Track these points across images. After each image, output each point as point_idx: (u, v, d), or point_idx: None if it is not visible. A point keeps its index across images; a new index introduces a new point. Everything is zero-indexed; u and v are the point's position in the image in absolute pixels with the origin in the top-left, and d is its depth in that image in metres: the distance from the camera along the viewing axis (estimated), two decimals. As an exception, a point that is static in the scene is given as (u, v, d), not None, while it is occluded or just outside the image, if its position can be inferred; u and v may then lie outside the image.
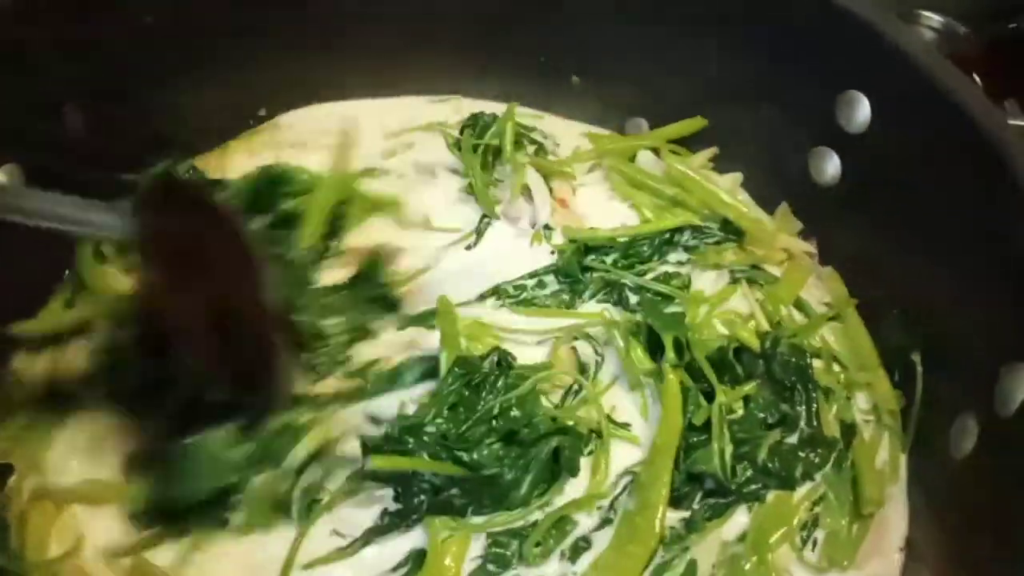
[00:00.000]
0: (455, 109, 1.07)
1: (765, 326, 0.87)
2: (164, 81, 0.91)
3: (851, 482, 0.78)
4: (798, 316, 0.90)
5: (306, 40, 0.98)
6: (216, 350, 0.68)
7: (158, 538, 0.72)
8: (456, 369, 0.76)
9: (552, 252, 0.93)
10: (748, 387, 0.79)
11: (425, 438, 0.73)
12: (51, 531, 0.73)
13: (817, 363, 0.83)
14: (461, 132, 1.02)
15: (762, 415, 0.79)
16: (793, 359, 0.81)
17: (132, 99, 0.89)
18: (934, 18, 1.33)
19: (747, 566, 0.72)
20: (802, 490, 0.77)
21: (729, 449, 0.76)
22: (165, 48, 0.89)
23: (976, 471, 0.70)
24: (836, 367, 0.85)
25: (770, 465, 0.76)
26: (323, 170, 0.93)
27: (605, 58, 1.01)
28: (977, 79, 0.89)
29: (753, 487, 0.76)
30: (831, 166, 0.89)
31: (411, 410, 0.78)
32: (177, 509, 0.71)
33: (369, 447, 0.73)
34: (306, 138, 1.01)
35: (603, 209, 0.97)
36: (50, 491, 0.74)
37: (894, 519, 0.78)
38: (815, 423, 0.80)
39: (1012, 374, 0.66)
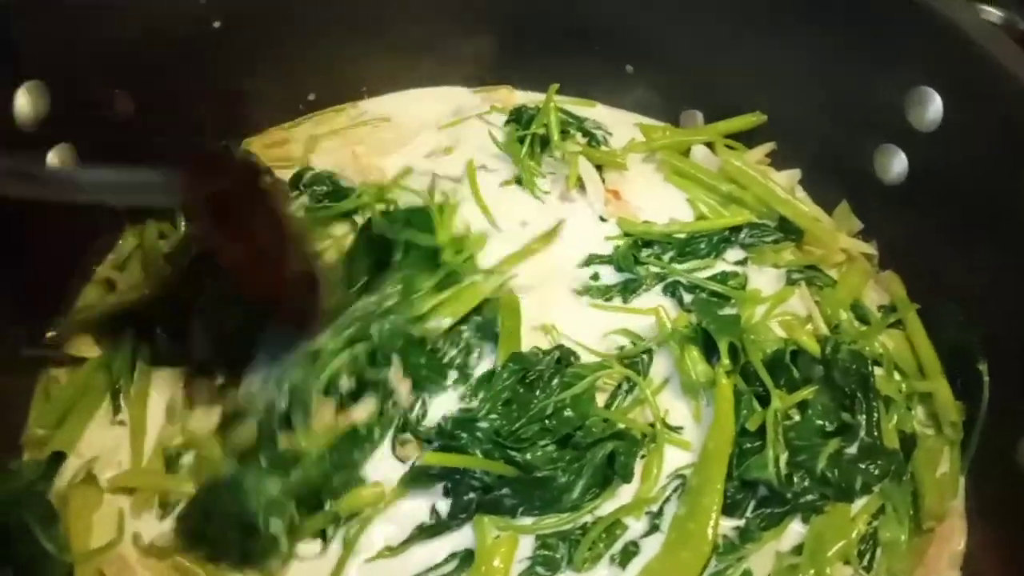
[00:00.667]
0: (504, 99, 1.05)
1: (823, 329, 0.84)
2: (215, 67, 0.90)
3: (911, 495, 0.75)
4: (856, 321, 0.86)
5: (357, 28, 0.97)
6: (257, 285, 0.73)
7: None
8: (511, 365, 0.74)
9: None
10: (806, 392, 0.77)
11: (478, 434, 0.71)
12: (93, 520, 0.72)
13: (878, 371, 0.80)
14: (506, 123, 1.00)
15: (820, 422, 0.76)
16: (854, 365, 0.78)
17: (183, 83, 0.88)
18: (993, 12, 1.29)
19: None
20: (860, 502, 0.74)
21: (784, 456, 0.73)
22: (217, 35, 0.89)
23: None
24: (896, 375, 0.83)
25: (828, 475, 0.73)
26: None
27: (661, 47, 0.98)
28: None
29: (810, 497, 0.73)
30: (898, 164, 0.86)
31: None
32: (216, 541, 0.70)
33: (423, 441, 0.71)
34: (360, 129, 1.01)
35: (658, 201, 0.94)
36: (92, 476, 0.74)
37: (952, 535, 0.75)
38: (875, 433, 0.77)
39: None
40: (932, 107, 0.80)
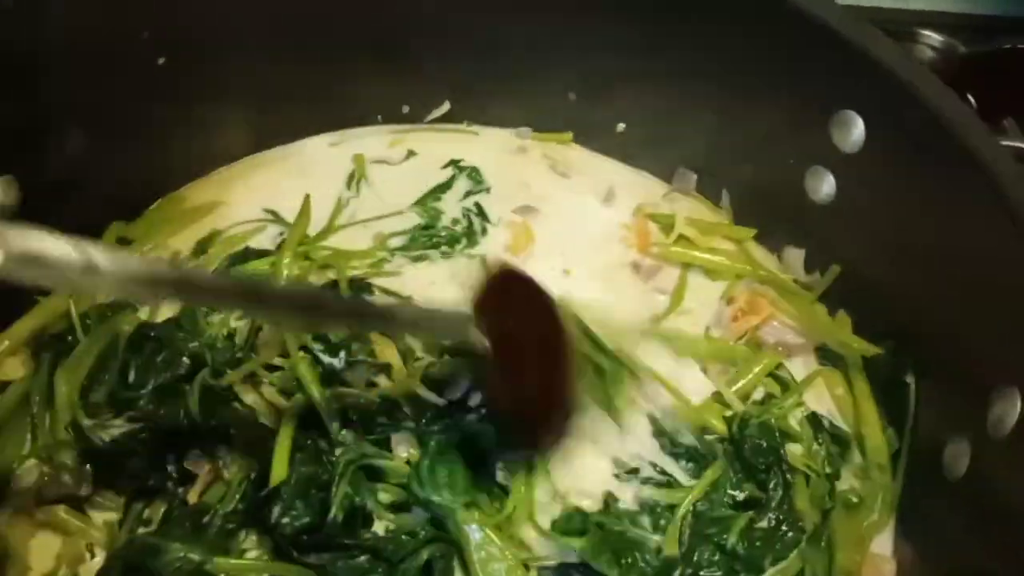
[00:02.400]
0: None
1: (737, 406, 0.81)
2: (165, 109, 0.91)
3: (828, 553, 0.75)
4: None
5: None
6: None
7: None
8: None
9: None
10: (710, 475, 0.76)
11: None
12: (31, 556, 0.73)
13: (793, 446, 0.80)
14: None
15: (733, 492, 0.76)
16: (764, 442, 0.77)
17: (133, 123, 0.90)
18: (934, 36, 1.33)
19: None
20: (776, 568, 0.74)
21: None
22: (172, 76, 0.89)
23: (967, 496, 0.69)
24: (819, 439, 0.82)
25: (739, 550, 0.73)
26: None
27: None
28: (972, 100, 0.89)
29: (717, 572, 0.72)
30: (826, 185, 0.88)
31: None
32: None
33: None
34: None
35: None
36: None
37: (883, 565, 0.75)
38: (787, 506, 0.76)
39: (1005, 398, 0.65)
40: (855, 130, 0.83)
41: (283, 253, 0.89)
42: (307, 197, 0.96)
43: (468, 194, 0.99)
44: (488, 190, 1.00)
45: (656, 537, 0.72)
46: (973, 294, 0.73)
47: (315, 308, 0.61)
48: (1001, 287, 0.70)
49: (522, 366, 0.69)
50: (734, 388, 0.83)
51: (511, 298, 0.70)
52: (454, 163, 1.01)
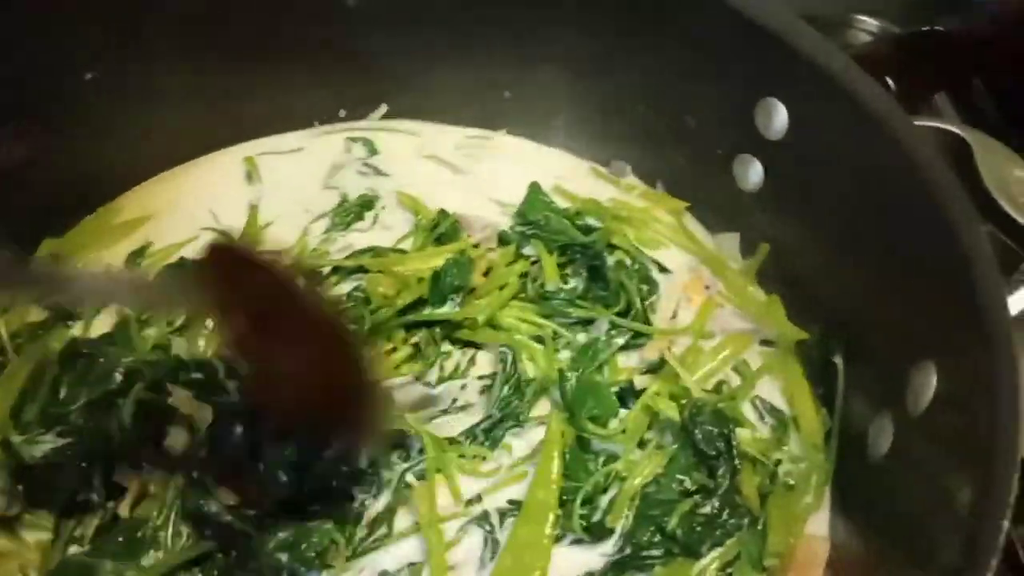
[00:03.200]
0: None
1: (697, 393, 0.82)
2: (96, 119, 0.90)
3: (761, 537, 0.75)
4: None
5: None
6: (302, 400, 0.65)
7: None
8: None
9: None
10: (658, 459, 0.77)
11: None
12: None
13: (742, 432, 0.80)
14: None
15: (682, 477, 0.76)
16: (716, 429, 0.78)
17: (64, 133, 0.89)
18: (870, 22, 1.35)
19: None
20: (714, 553, 0.75)
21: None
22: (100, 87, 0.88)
23: (891, 472, 0.70)
24: (763, 423, 0.83)
25: (678, 533, 0.74)
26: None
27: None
28: (891, 83, 0.91)
29: (654, 552, 0.74)
30: (754, 173, 0.89)
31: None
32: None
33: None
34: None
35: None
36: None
37: (814, 558, 0.75)
38: (733, 493, 0.76)
39: (922, 373, 0.67)
40: (778, 117, 0.84)
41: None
42: (253, 208, 0.96)
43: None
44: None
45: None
46: (893, 274, 0.74)
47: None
48: (918, 266, 0.71)
49: (275, 346, 0.62)
50: (698, 374, 0.84)
51: (235, 278, 0.62)
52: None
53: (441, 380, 0.84)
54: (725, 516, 0.76)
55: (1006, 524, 0.54)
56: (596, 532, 0.74)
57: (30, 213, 0.90)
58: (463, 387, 0.85)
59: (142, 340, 0.83)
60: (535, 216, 0.94)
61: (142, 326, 0.85)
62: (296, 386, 0.64)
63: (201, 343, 0.84)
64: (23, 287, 0.61)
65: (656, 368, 0.85)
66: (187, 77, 0.93)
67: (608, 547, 0.74)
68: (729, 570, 0.74)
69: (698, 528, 0.75)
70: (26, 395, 0.78)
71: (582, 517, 0.74)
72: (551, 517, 0.74)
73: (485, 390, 0.84)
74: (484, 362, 0.86)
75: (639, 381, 0.83)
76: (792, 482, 0.78)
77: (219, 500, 0.70)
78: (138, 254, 0.92)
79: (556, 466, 0.76)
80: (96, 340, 0.84)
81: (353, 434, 0.72)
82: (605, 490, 0.76)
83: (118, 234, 0.94)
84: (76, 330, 0.85)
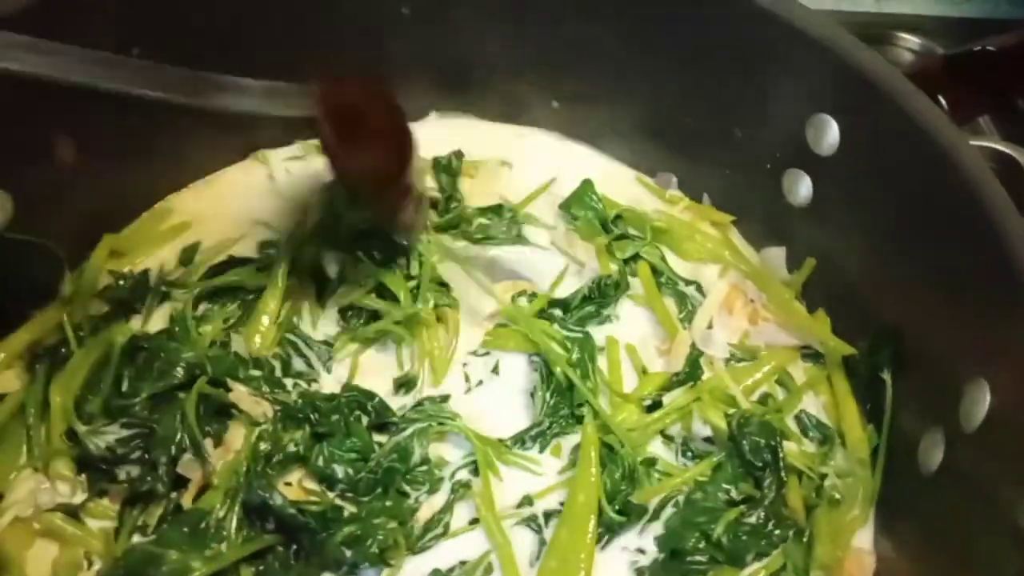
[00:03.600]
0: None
1: (744, 405, 0.83)
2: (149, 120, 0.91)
3: (808, 549, 0.76)
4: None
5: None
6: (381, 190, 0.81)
7: None
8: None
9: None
10: (703, 466, 0.80)
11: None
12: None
13: (789, 445, 0.81)
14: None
15: (728, 487, 0.78)
16: (763, 440, 0.79)
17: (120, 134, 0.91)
18: (911, 39, 1.36)
19: None
20: (759, 564, 0.76)
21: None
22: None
23: (941, 488, 0.71)
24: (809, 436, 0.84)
25: (723, 541, 0.74)
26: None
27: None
28: (943, 101, 0.91)
29: (699, 558, 0.75)
30: (803, 187, 0.90)
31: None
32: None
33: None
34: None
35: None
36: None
37: (864, 559, 0.77)
38: (779, 504, 0.78)
39: (975, 389, 0.68)
40: (830, 133, 0.84)
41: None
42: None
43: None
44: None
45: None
46: (943, 290, 0.75)
47: (152, 78, 0.66)
48: (969, 282, 0.72)
49: (363, 138, 0.75)
50: (744, 384, 0.85)
51: (353, 90, 0.77)
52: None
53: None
54: (771, 527, 0.77)
55: None
56: (627, 511, 0.76)
57: (90, 211, 0.93)
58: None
59: (200, 336, 0.85)
60: (578, 211, 0.96)
61: (199, 322, 0.87)
62: (373, 158, 0.77)
63: (257, 340, 0.86)
64: (172, 90, 0.67)
65: (687, 379, 0.86)
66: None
67: (649, 541, 0.76)
68: None
69: (744, 537, 0.76)
70: (89, 387, 0.81)
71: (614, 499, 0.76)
72: (592, 519, 0.75)
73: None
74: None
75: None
76: (838, 496, 0.79)
77: (282, 493, 0.71)
78: (190, 251, 0.95)
79: (595, 469, 0.77)
80: (155, 335, 0.86)
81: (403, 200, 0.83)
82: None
83: (170, 233, 0.96)
84: (135, 323, 0.87)
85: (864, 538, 0.78)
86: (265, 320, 0.87)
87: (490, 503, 0.75)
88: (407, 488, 0.76)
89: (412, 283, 0.88)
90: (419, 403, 0.83)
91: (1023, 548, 0.57)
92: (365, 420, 0.80)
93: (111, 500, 0.77)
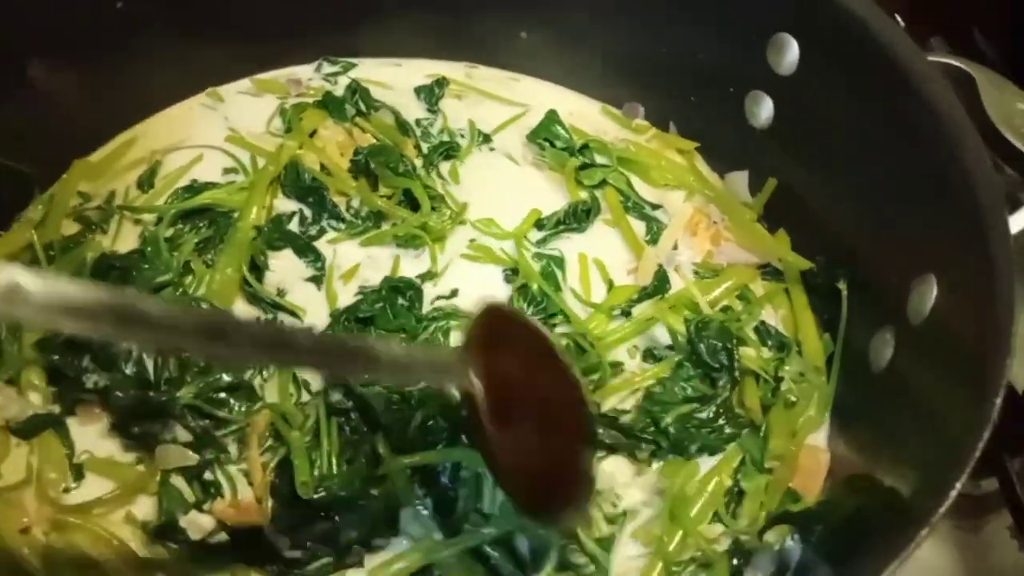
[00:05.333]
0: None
1: (707, 311, 0.86)
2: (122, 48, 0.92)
3: (764, 440, 0.79)
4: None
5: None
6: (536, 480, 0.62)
7: None
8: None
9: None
10: (657, 369, 0.83)
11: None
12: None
13: (746, 350, 0.84)
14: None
15: (684, 385, 0.81)
16: (720, 343, 0.82)
17: (103, 58, 0.91)
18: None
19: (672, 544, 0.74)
20: (717, 458, 0.79)
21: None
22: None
23: (890, 385, 0.74)
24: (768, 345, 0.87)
25: (670, 430, 0.78)
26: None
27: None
28: (899, 19, 0.93)
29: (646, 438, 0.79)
30: (765, 109, 0.92)
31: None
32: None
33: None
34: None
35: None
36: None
37: (819, 455, 0.80)
38: (732, 403, 0.82)
39: (923, 284, 0.70)
40: (790, 52, 0.86)
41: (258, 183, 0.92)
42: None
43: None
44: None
45: None
46: (899, 200, 0.77)
47: (282, 347, 0.53)
48: (924, 190, 0.74)
49: (525, 419, 0.60)
50: (708, 297, 0.88)
51: (508, 341, 0.62)
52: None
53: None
54: (721, 423, 0.80)
55: (987, 431, 0.57)
56: None
57: (60, 137, 0.93)
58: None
59: (172, 258, 0.86)
60: (545, 142, 0.99)
61: (171, 246, 0.88)
62: (540, 453, 0.61)
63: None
64: (327, 362, 0.57)
65: (654, 292, 0.89)
66: (203, 14, 0.96)
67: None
68: (739, 475, 0.78)
69: (691, 429, 0.80)
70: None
71: None
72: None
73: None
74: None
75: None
76: (794, 399, 0.82)
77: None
78: (149, 175, 0.95)
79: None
80: (127, 255, 0.87)
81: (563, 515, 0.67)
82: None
83: (136, 160, 0.97)
84: (106, 242, 0.88)
85: (820, 438, 0.81)
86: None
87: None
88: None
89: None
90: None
91: (952, 439, 0.59)
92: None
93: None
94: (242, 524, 0.72)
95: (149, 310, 0.45)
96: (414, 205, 0.92)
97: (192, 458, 0.74)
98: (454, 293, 0.88)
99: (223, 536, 0.72)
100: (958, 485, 0.53)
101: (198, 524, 0.72)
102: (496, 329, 0.62)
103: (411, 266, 0.90)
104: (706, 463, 0.79)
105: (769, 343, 0.87)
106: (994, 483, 0.89)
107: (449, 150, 1.00)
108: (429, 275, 0.89)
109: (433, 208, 0.92)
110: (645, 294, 0.89)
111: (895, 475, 0.68)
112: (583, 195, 0.97)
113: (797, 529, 0.74)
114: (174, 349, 0.55)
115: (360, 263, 0.89)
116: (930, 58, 0.79)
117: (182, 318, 0.47)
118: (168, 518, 0.72)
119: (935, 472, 0.58)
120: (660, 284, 0.89)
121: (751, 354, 0.84)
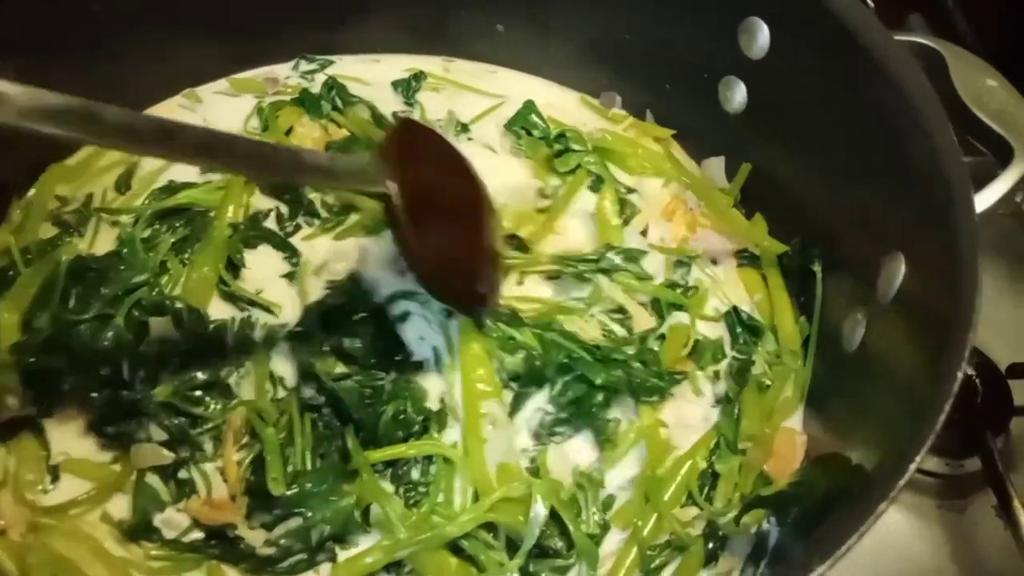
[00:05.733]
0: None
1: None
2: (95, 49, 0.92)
3: (736, 422, 0.80)
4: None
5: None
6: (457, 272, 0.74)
7: None
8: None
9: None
10: None
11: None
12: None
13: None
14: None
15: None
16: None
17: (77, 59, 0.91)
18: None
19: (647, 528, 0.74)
20: (694, 438, 0.79)
21: None
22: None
23: (862, 364, 0.74)
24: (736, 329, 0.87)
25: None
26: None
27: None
28: (870, 1, 0.92)
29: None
30: (738, 94, 0.92)
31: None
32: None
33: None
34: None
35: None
36: None
37: (795, 438, 0.80)
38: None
39: (892, 263, 0.71)
40: (760, 36, 0.86)
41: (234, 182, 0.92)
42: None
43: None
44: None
45: None
46: (870, 181, 0.77)
47: (219, 149, 0.60)
48: (894, 170, 0.74)
49: (437, 217, 0.70)
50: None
51: (419, 150, 0.72)
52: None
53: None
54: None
55: (948, 405, 0.56)
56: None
57: (35, 140, 0.93)
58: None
59: (149, 257, 0.87)
60: (521, 131, 1.00)
61: (147, 246, 0.88)
62: (452, 247, 0.72)
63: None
64: (260, 166, 0.63)
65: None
66: (179, 14, 0.96)
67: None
68: (713, 457, 0.78)
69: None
70: (37, 306, 0.82)
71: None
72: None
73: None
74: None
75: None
76: (768, 382, 0.82)
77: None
78: (126, 176, 0.95)
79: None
80: (103, 257, 0.87)
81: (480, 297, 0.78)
82: None
83: (112, 162, 0.96)
84: (83, 246, 0.89)
85: (795, 421, 0.81)
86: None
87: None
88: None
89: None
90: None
91: (916, 415, 0.59)
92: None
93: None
94: (216, 522, 0.72)
95: (108, 114, 0.53)
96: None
97: (167, 457, 0.74)
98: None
99: (198, 534, 0.73)
100: (918, 457, 0.53)
101: (173, 522, 0.73)
102: (410, 140, 0.73)
103: (377, 253, 0.89)
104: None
105: (737, 328, 0.87)
106: (977, 463, 0.89)
107: (426, 140, 1.00)
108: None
109: None
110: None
111: (863, 451, 0.68)
112: (554, 182, 0.96)
113: (773, 512, 0.74)
114: (128, 147, 0.60)
115: (328, 259, 0.89)
116: (898, 37, 0.78)
117: (136, 122, 0.56)
118: (142, 517, 0.73)
119: (898, 445, 0.58)
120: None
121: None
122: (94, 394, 0.76)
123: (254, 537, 0.71)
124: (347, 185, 0.70)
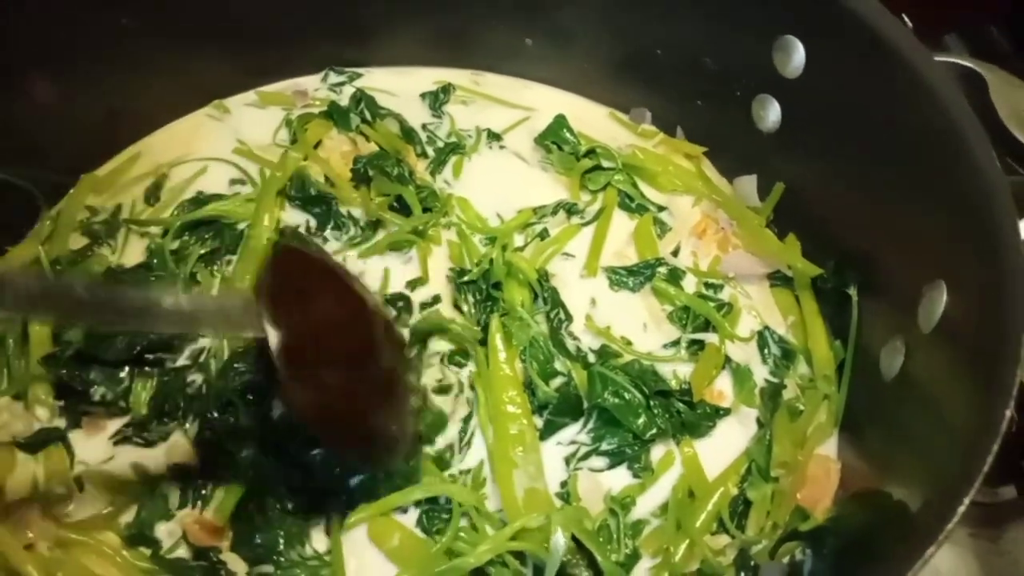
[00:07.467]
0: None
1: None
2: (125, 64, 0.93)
3: (768, 449, 0.78)
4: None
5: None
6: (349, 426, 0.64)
7: None
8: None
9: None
10: None
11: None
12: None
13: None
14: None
15: None
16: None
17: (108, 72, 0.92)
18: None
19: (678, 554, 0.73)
20: (726, 462, 0.78)
21: None
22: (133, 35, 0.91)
23: (901, 393, 0.73)
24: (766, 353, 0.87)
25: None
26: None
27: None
28: (907, 19, 0.91)
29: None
30: (772, 113, 0.91)
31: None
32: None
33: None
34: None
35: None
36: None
37: (826, 476, 0.78)
38: None
39: (934, 291, 0.69)
40: (796, 55, 0.85)
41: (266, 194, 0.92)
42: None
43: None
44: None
45: None
46: (909, 203, 0.76)
47: (56, 299, 0.54)
48: (934, 193, 0.72)
49: (324, 362, 0.60)
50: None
51: (300, 282, 0.62)
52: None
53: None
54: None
55: (997, 442, 0.56)
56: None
57: (65, 153, 0.94)
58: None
59: (179, 269, 0.87)
60: (552, 145, 0.99)
61: (176, 257, 0.88)
62: (342, 393, 0.62)
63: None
64: (106, 316, 0.57)
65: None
66: (207, 27, 0.96)
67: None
68: (744, 484, 0.77)
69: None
70: (68, 318, 0.82)
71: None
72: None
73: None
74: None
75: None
76: (801, 408, 0.81)
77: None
78: (155, 189, 0.95)
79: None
80: (133, 268, 0.87)
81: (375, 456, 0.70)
82: None
83: (142, 174, 0.97)
84: (113, 258, 0.89)
85: (830, 448, 0.80)
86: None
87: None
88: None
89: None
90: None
91: (962, 448, 0.57)
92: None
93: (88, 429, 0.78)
94: (203, 544, 0.72)
95: None
96: (407, 211, 0.92)
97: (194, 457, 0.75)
98: (436, 300, 0.88)
99: (185, 552, 0.73)
100: (966, 500, 0.52)
101: (176, 533, 0.74)
102: (288, 271, 0.62)
103: (401, 272, 0.90)
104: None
105: (771, 351, 0.86)
106: (1012, 491, 0.88)
107: (456, 149, 1.00)
108: (419, 281, 0.89)
109: (426, 209, 0.91)
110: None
111: (905, 487, 0.66)
112: (586, 198, 0.96)
113: (808, 544, 0.72)
114: None
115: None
116: (938, 58, 0.77)
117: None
118: (141, 527, 0.73)
119: (944, 484, 0.57)
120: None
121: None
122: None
123: (237, 565, 0.71)
124: (218, 330, 0.64)
